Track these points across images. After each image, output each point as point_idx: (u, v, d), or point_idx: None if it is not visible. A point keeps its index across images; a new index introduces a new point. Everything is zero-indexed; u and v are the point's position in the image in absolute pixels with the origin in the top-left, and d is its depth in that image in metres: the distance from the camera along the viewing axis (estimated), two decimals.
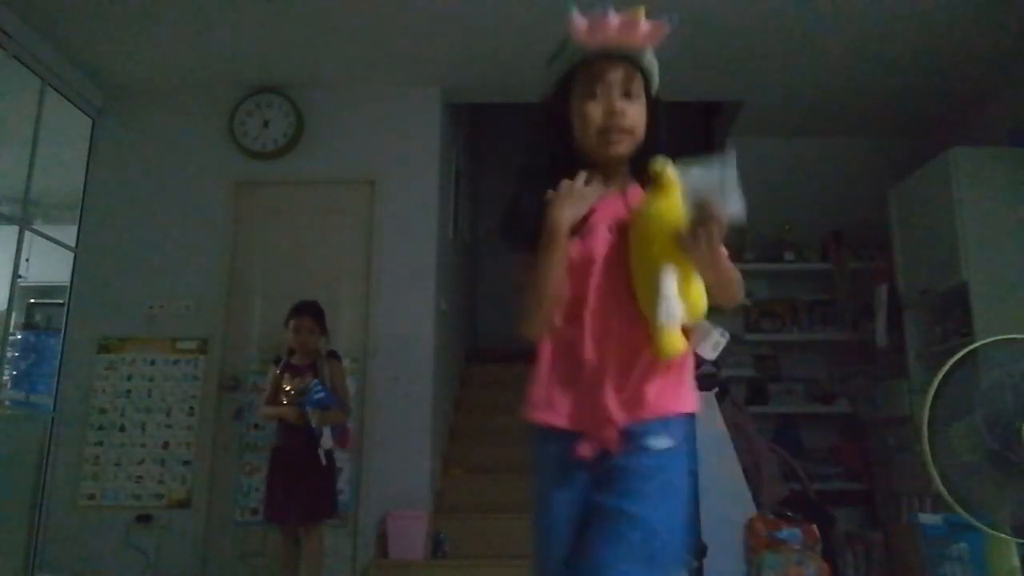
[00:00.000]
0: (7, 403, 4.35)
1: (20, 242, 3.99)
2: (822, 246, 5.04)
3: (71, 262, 4.30)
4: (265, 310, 4.12)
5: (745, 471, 3.53)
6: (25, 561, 3.88)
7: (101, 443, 4.05)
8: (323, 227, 4.33)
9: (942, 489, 2.19)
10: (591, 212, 1.35)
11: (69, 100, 4.23)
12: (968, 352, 2.26)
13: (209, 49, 4.07)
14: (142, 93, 4.44)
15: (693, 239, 1.20)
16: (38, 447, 4.07)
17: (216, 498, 4.00)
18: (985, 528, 2.22)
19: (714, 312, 1.36)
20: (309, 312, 3.52)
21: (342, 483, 3.92)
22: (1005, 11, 3.62)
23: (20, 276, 4.18)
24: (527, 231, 1.34)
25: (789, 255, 5.04)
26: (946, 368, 2.23)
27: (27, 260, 4.19)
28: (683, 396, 1.35)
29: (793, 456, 4.27)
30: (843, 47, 3.97)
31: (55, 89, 4.10)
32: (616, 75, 1.34)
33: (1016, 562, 2.37)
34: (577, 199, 1.33)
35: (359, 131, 4.36)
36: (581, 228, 1.34)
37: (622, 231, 1.33)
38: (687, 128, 5.39)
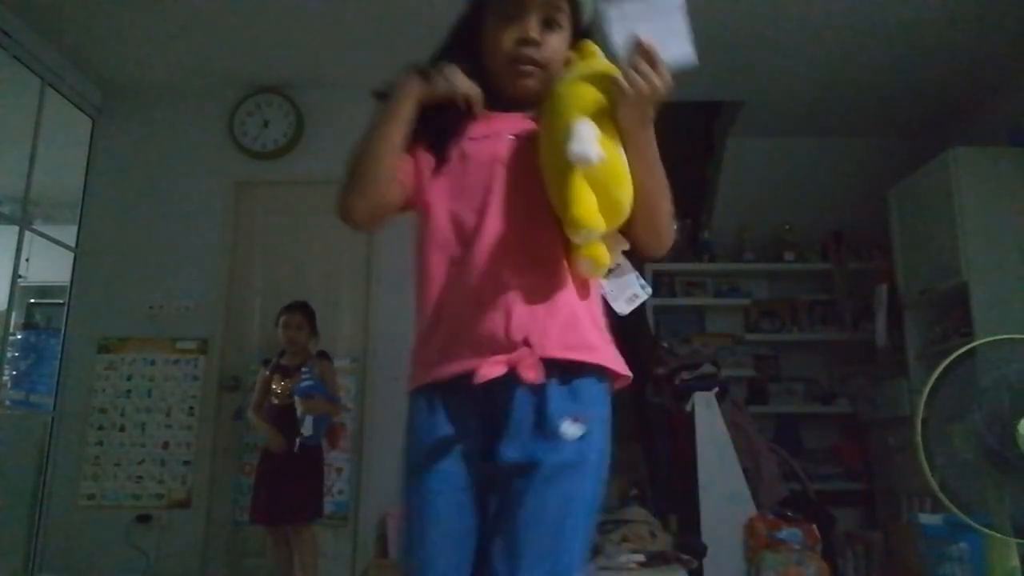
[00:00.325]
0: (7, 403, 4.35)
1: (20, 242, 4.00)
2: (822, 246, 5.04)
3: (71, 262, 4.30)
4: (265, 310, 4.12)
5: (745, 471, 3.53)
6: (25, 561, 3.88)
7: (101, 443, 4.05)
8: (323, 227, 4.32)
9: (936, 489, 2.19)
10: (482, 121, 1.19)
11: (69, 100, 4.23)
12: (967, 352, 2.26)
13: (209, 49, 4.07)
14: (142, 93, 4.44)
15: (628, 83, 1.03)
16: (38, 447, 4.07)
17: (216, 498, 3.99)
18: (981, 528, 2.23)
19: (637, 261, 1.19)
20: (299, 310, 3.52)
21: (342, 483, 3.93)
22: (1005, 11, 3.62)
23: (20, 276, 4.18)
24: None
25: (789, 255, 5.04)
26: (939, 370, 2.23)
27: (27, 260, 4.20)
28: (598, 344, 1.13)
29: (793, 456, 4.27)
30: (843, 47, 3.97)
31: (55, 89, 4.10)
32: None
33: (1016, 562, 2.37)
34: (441, 74, 1.17)
35: (359, 131, 4.34)
36: (458, 126, 1.18)
37: (530, 139, 1.14)
38: (687, 128, 5.38)
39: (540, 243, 1.12)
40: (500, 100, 1.22)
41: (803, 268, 5.04)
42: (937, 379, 2.22)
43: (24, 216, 4.05)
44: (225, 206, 4.33)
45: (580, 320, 1.11)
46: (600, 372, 1.12)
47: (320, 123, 4.38)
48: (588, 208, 1.04)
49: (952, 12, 3.64)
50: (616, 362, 1.15)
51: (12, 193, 4.12)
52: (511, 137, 1.17)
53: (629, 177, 1.09)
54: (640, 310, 5.23)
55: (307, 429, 3.29)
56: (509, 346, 1.06)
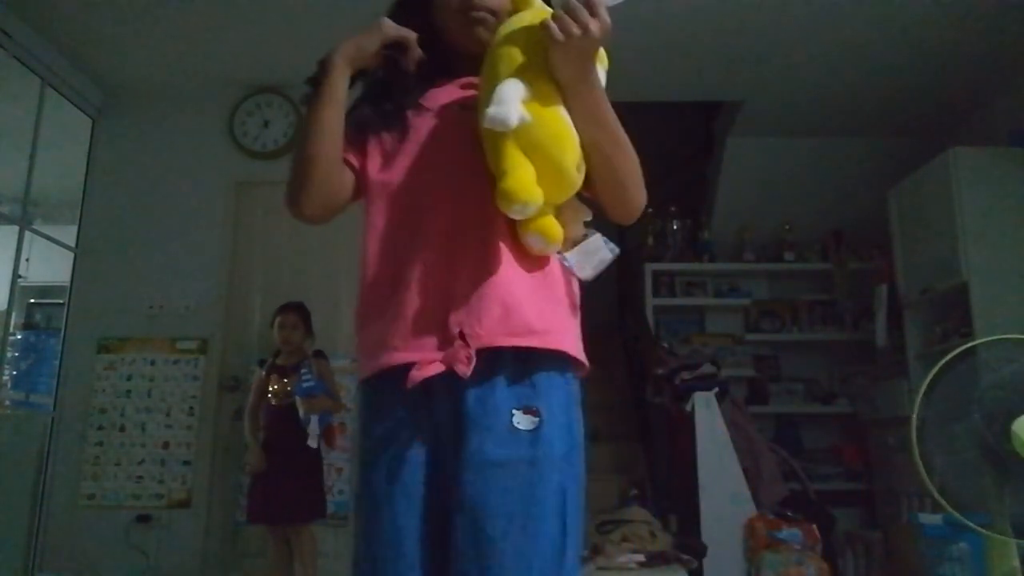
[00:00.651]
0: (7, 403, 4.35)
1: (20, 242, 3.99)
2: (822, 246, 5.05)
3: (71, 262, 4.29)
4: (265, 310, 4.11)
5: (745, 471, 3.53)
6: (25, 561, 3.88)
7: (101, 443, 4.05)
8: (323, 227, 4.29)
9: (932, 490, 2.19)
10: (427, 93, 1.13)
11: (69, 100, 4.22)
12: (967, 352, 2.26)
13: (209, 49, 4.07)
14: (142, 93, 4.44)
15: (558, 27, 0.92)
16: (38, 447, 4.07)
17: (216, 498, 3.99)
18: (978, 528, 2.23)
19: (608, 227, 1.10)
20: (294, 310, 3.53)
21: (342, 483, 3.93)
22: (1005, 12, 3.62)
23: (20, 276, 4.18)
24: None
25: (789, 255, 5.04)
26: (933, 373, 2.23)
27: (27, 260, 4.20)
28: (549, 326, 1.04)
29: (793, 456, 4.28)
30: (843, 47, 3.96)
31: (55, 89, 4.10)
32: None
33: (1016, 562, 2.37)
34: (373, 32, 1.10)
35: None
36: (407, 103, 1.11)
37: (473, 109, 1.05)
38: (687, 128, 5.39)
39: (485, 221, 1.03)
40: (457, 62, 1.16)
41: (803, 268, 5.05)
42: (936, 380, 2.22)
43: (24, 216, 4.06)
44: (225, 206, 4.33)
45: (522, 302, 1.02)
46: (558, 357, 1.05)
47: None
48: (520, 180, 0.94)
49: (952, 12, 3.63)
50: (570, 343, 1.06)
51: (12, 193, 4.12)
52: (455, 108, 1.11)
53: (574, 138, 0.99)
54: (640, 310, 5.18)
55: (314, 430, 3.30)
56: (446, 339, 1.00)
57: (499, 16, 1.11)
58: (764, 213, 5.05)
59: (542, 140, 0.96)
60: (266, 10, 3.69)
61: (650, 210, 4.99)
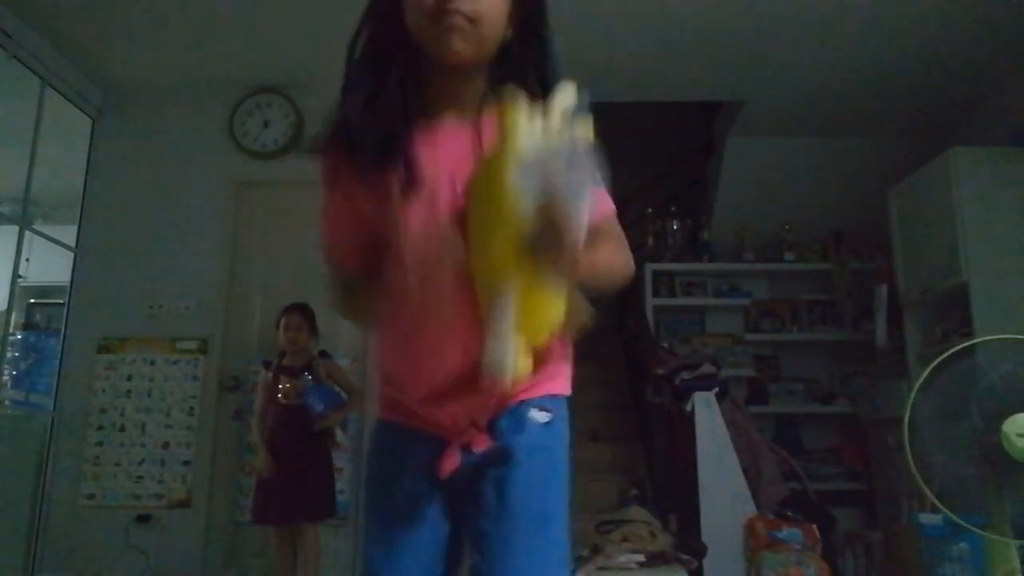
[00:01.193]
0: (7, 403, 4.34)
1: (20, 242, 3.99)
2: (822, 246, 5.05)
3: (71, 262, 4.29)
4: (265, 310, 4.12)
5: (745, 471, 3.54)
6: (25, 561, 3.88)
7: (101, 443, 4.05)
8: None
9: (927, 490, 2.19)
10: (425, 148, 1.03)
11: (69, 100, 4.22)
12: (966, 351, 2.26)
13: (209, 49, 4.07)
14: (142, 93, 4.44)
15: (540, 254, 0.87)
16: (38, 447, 4.07)
17: (216, 498, 3.99)
18: (975, 529, 2.23)
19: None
20: (298, 311, 3.53)
21: (342, 483, 3.92)
22: (1005, 12, 3.62)
23: (20, 276, 4.18)
24: (357, 142, 1.06)
25: (789, 255, 5.05)
26: (927, 373, 2.23)
27: (27, 260, 4.20)
28: (556, 376, 1.11)
29: (793, 456, 4.28)
30: (843, 47, 3.96)
31: (55, 89, 4.10)
32: None
33: (1016, 563, 2.37)
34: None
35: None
36: (415, 176, 1.01)
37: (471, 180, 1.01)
38: (687, 128, 5.38)
39: (474, 302, 0.98)
40: (434, 72, 1.06)
41: (803, 268, 5.05)
42: (934, 379, 2.23)
43: (24, 216, 4.05)
44: (225, 206, 4.33)
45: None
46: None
47: (320, 123, 4.36)
48: (510, 359, 0.92)
49: (952, 12, 3.64)
50: (560, 383, 1.12)
51: (12, 193, 4.12)
52: (452, 189, 1.02)
53: (563, 298, 0.98)
54: (640, 310, 5.15)
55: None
56: (458, 430, 1.06)
57: (478, 24, 0.99)
58: (764, 213, 5.05)
59: (538, 322, 0.97)
60: (266, 10, 3.69)
61: (650, 210, 5.08)
